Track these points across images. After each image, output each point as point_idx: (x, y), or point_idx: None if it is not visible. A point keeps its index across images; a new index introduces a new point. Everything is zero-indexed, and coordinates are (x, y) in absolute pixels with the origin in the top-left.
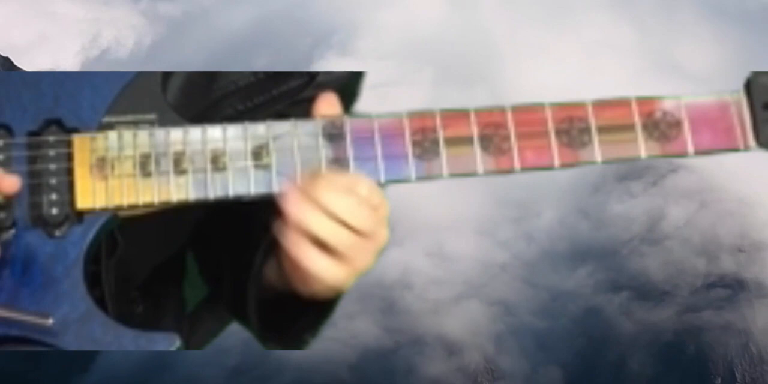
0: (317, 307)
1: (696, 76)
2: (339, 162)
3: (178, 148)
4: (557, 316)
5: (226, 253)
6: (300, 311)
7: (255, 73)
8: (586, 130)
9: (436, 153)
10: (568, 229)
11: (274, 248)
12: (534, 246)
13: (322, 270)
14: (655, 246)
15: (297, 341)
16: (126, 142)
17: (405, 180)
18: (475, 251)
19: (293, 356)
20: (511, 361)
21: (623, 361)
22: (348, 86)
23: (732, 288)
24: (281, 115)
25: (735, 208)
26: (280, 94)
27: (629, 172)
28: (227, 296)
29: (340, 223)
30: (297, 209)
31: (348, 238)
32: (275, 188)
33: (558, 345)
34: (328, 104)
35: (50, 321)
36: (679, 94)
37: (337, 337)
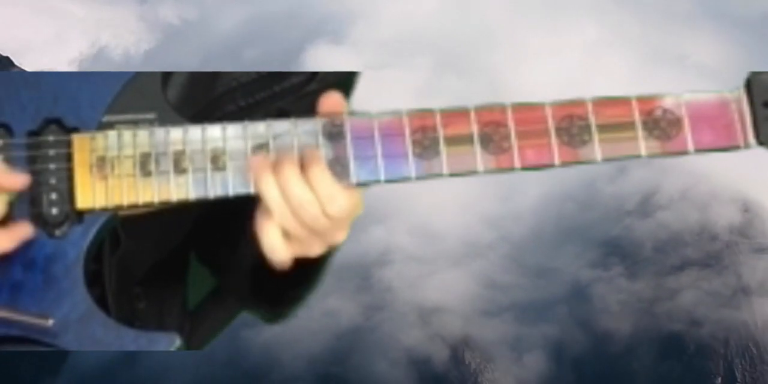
0: (302, 276)
1: (698, 69)
2: (339, 161)
3: (178, 147)
4: (543, 291)
5: (225, 244)
6: (288, 279)
7: (257, 71)
8: (587, 128)
9: (437, 152)
10: (557, 205)
11: None
12: (521, 224)
13: (270, 242)
14: (648, 218)
15: (286, 308)
16: (126, 141)
17: (405, 179)
18: (460, 229)
19: (260, 339)
20: (493, 333)
21: (607, 331)
22: (347, 82)
23: (728, 261)
24: (283, 112)
25: (733, 181)
26: (282, 90)
27: None
28: (226, 266)
29: (289, 209)
30: (261, 180)
31: (294, 225)
32: None
33: (543, 316)
34: (333, 102)
35: (50, 322)
36: (679, 92)
37: (312, 316)
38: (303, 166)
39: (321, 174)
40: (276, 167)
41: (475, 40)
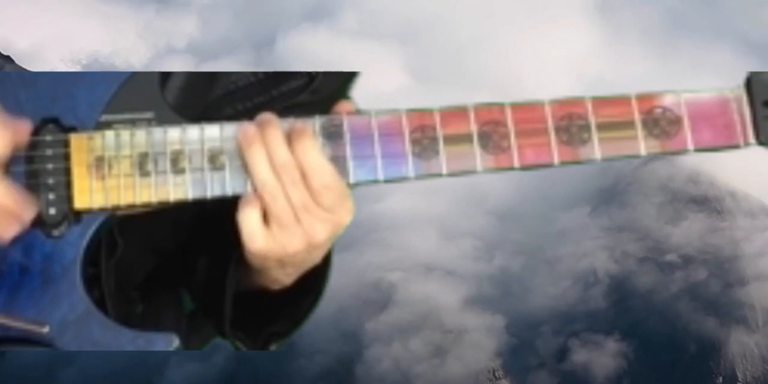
0: (289, 307)
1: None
2: (337, 160)
3: (176, 147)
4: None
5: (203, 254)
6: (271, 312)
7: (255, 74)
8: (586, 127)
9: (436, 151)
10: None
11: None
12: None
13: (249, 227)
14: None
15: (265, 342)
16: (123, 141)
17: (404, 179)
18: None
19: None
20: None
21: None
22: (340, 91)
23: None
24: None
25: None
26: (280, 95)
27: None
28: (201, 293)
29: (271, 170)
30: (248, 143)
31: (274, 191)
32: None
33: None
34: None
35: (46, 329)
36: (678, 90)
37: None
38: (291, 138)
39: (310, 145)
40: (262, 131)
41: (469, 29)
